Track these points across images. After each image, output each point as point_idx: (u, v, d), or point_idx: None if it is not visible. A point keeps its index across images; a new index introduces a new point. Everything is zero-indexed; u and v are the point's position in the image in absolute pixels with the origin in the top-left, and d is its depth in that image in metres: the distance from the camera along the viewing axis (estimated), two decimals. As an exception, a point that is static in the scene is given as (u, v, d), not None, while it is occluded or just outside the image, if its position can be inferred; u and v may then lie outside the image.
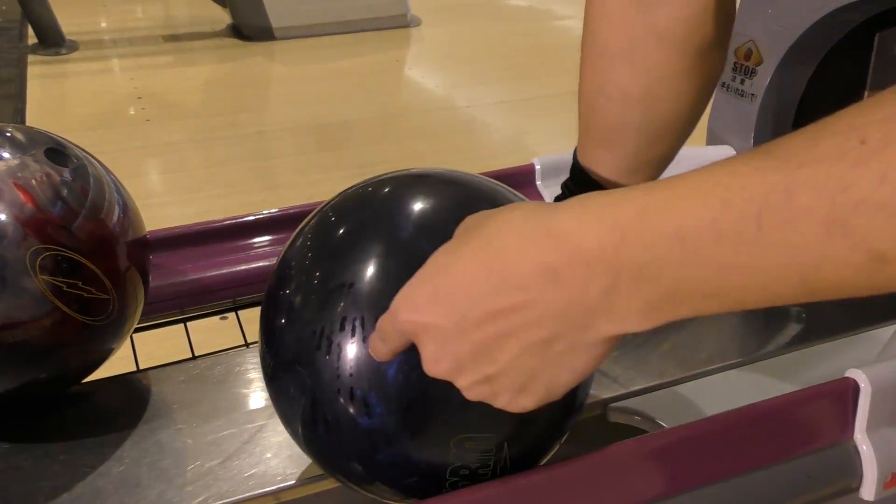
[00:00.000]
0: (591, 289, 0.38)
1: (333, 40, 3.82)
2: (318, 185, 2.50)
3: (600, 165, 0.65)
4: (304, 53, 3.72)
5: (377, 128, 2.96)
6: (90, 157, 0.70)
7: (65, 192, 0.64)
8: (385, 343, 0.46)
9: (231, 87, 3.40)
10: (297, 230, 0.57)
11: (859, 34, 0.95)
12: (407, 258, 0.49)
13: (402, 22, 4.00)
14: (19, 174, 0.62)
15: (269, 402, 0.72)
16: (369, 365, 0.49)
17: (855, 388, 0.60)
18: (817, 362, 0.76)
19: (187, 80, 3.42)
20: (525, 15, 4.39)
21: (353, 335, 0.49)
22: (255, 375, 0.77)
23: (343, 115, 3.06)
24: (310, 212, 0.58)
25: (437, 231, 0.48)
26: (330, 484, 0.66)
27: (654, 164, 0.65)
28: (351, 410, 0.50)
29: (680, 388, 0.73)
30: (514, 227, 0.40)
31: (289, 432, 0.57)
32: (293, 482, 0.65)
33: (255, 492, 0.64)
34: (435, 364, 0.44)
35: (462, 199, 0.54)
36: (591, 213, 0.38)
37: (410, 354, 0.46)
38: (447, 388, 0.45)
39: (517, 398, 0.43)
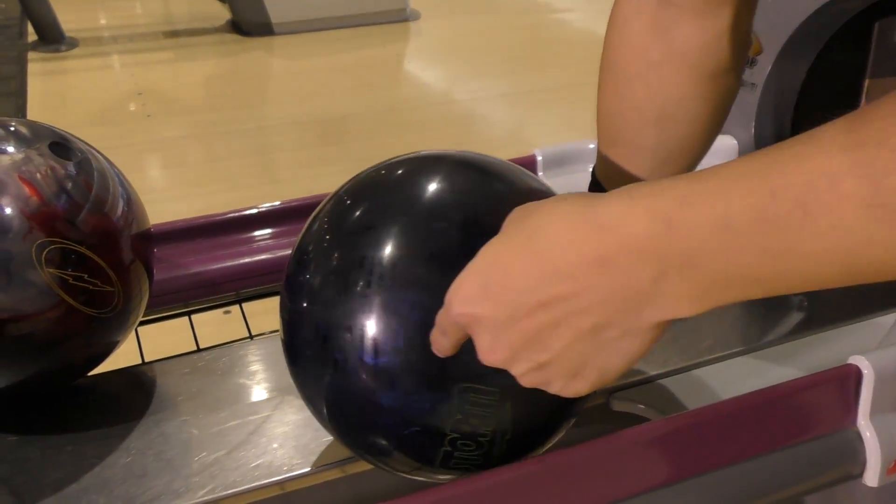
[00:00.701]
0: (640, 277, 0.39)
1: (333, 35, 3.82)
2: (319, 178, 2.51)
3: (616, 183, 0.66)
4: (304, 48, 3.72)
5: (377, 122, 2.96)
6: (93, 151, 0.70)
7: (69, 185, 0.64)
8: (446, 336, 0.48)
9: (231, 83, 3.40)
10: (313, 216, 0.58)
11: (859, 23, 0.95)
12: (426, 234, 0.51)
13: (401, 16, 4.00)
14: (24, 168, 0.62)
15: (275, 394, 0.73)
16: (388, 326, 0.50)
17: (857, 375, 0.60)
18: (820, 349, 0.76)
19: (187, 76, 3.42)
20: (524, 8, 4.39)
21: (372, 311, 0.50)
22: (260, 367, 0.78)
23: (343, 110, 3.06)
24: (313, 204, 0.58)
25: (457, 207, 0.51)
26: (336, 474, 0.66)
27: None
28: (363, 358, 0.51)
29: (682, 377, 0.73)
30: (561, 218, 0.42)
31: (310, 409, 0.58)
32: (299, 472, 0.65)
33: (262, 482, 0.64)
34: (490, 353, 0.45)
35: (476, 177, 0.55)
36: (638, 203, 0.39)
37: (422, 296, 0.49)
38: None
39: (571, 384, 0.45)
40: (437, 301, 0.48)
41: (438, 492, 0.52)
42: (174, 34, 3.95)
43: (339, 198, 0.57)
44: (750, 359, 0.75)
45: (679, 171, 0.65)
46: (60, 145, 0.66)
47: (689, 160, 0.65)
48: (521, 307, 0.42)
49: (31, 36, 3.60)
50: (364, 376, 0.51)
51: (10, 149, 0.63)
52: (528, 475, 0.54)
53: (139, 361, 0.83)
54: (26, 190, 0.61)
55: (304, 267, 0.55)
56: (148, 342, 0.86)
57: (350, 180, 0.58)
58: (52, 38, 3.54)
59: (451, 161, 0.56)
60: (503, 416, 0.52)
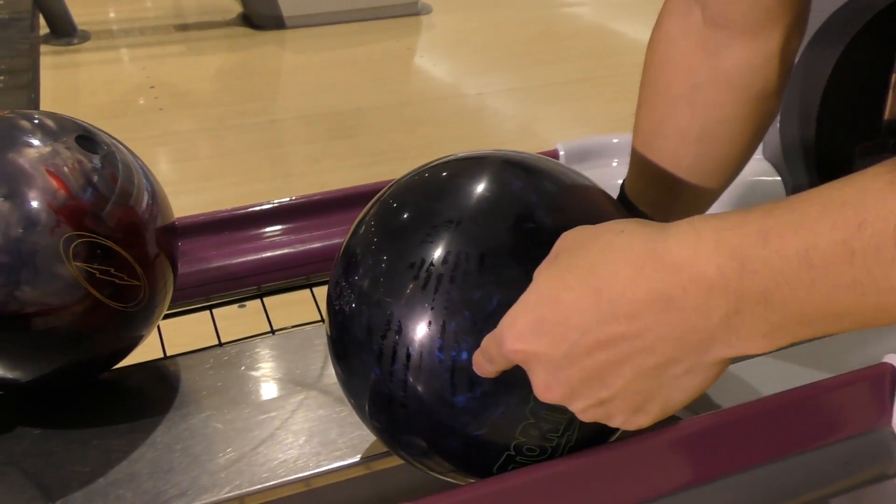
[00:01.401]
0: (710, 316, 0.38)
1: (344, 28, 3.81)
2: (330, 172, 2.50)
3: (648, 199, 0.66)
4: (315, 42, 3.71)
5: (389, 116, 2.95)
6: (118, 144, 0.70)
7: (95, 178, 0.64)
8: (491, 364, 0.47)
9: (242, 76, 3.40)
10: (358, 219, 0.57)
11: (886, 17, 0.94)
12: (506, 231, 0.51)
13: (412, 10, 3.99)
14: (52, 161, 0.62)
15: (299, 389, 0.73)
16: (472, 325, 0.49)
17: (893, 374, 0.59)
18: (854, 348, 0.76)
19: (199, 70, 3.41)
20: (536, 2, 4.37)
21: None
22: (283, 362, 0.77)
23: (354, 103, 3.06)
24: (336, 199, 0.58)
25: (523, 205, 0.52)
26: (361, 471, 0.66)
27: (702, 202, 0.66)
28: (425, 383, 0.50)
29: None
30: (621, 253, 0.40)
31: (353, 407, 0.57)
32: (325, 468, 0.65)
33: (288, 478, 0.64)
34: (547, 391, 0.44)
35: (525, 175, 0.55)
36: (707, 240, 0.38)
37: (505, 296, 0.48)
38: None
39: (633, 418, 0.44)
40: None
41: (470, 490, 0.51)
42: (185, 27, 3.94)
43: (384, 201, 0.56)
44: (783, 357, 0.75)
45: (714, 190, 0.65)
46: (86, 138, 0.65)
47: (724, 179, 0.64)
48: (579, 346, 0.41)
49: (43, 29, 3.60)
50: (440, 374, 0.50)
51: (37, 142, 0.63)
52: (558, 475, 0.53)
53: (160, 355, 0.82)
54: (54, 183, 0.61)
55: (361, 264, 0.54)
56: (166, 336, 0.86)
57: (396, 182, 0.58)
58: (63, 31, 3.54)
59: (497, 160, 0.56)
60: (573, 420, 0.51)
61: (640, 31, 4.13)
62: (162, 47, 3.67)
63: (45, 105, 2.90)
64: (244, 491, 0.62)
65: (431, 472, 0.57)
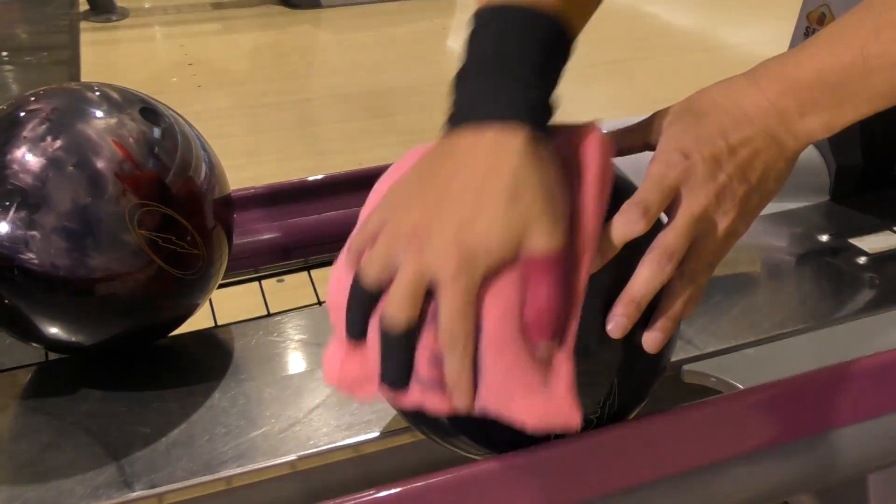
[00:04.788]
0: (788, 116, 0.52)
1: (379, 8, 3.81)
2: (366, 151, 2.52)
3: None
4: (350, 21, 3.73)
5: (423, 95, 2.96)
6: (177, 116, 0.72)
7: (157, 149, 0.66)
8: (648, 213, 0.49)
9: (279, 55, 3.42)
10: None
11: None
12: None
13: (447, -11, 3.98)
14: (118, 132, 0.64)
15: (349, 358, 0.74)
16: None
17: (938, 351, 0.60)
18: (891, 328, 0.76)
19: (236, 48, 3.44)
20: (571, -18, 4.34)
21: None
22: (331, 333, 0.79)
23: (389, 83, 3.07)
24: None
25: None
26: (411, 437, 0.68)
27: None
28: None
29: (753, 351, 0.73)
30: (734, 87, 0.53)
31: None
32: (374, 436, 0.67)
33: (339, 443, 0.66)
34: (700, 196, 0.50)
35: None
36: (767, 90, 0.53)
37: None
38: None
39: (748, 217, 0.53)
40: None
41: (505, 460, 0.53)
42: (222, 6, 3.97)
43: None
44: (820, 335, 0.75)
45: None
46: (149, 110, 0.68)
47: None
48: (723, 147, 0.51)
49: (83, 6, 3.64)
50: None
51: (104, 113, 0.65)
52: (600, 445, 0.55)
53: (211, 324, 0.85)
54: (120, 153, 0.63)
55: None
56: (215, 306, 0.88)
57: None
58: (103, 8, 3.58)
59: None
60: (611, 392, 0.52)
61: (675, 14, 4.09)
62: (199, 25, 3.71)
63: (84, 81, 2.94)
64: (299, 455, 0.64)
65: (456, 450, 0.58)
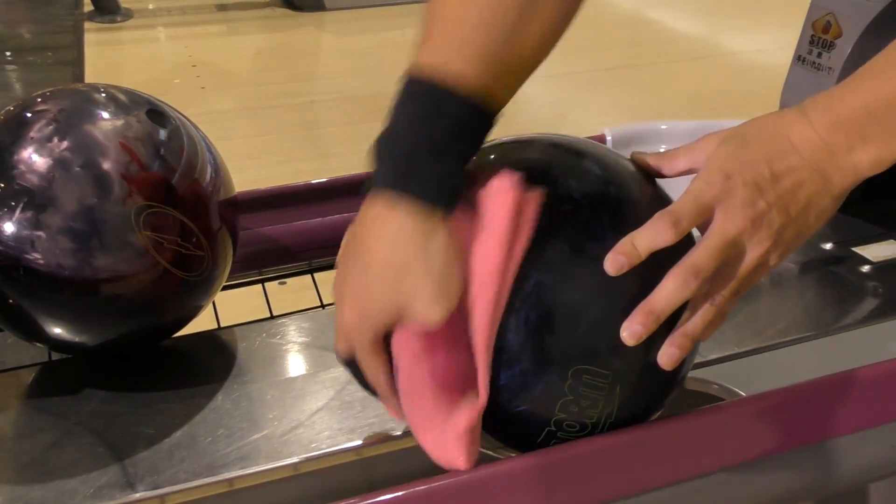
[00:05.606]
0: (835, 150, 0.51)
1: (383, 11, 3.82)
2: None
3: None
4: (354, 24, 3.73)
5: (427, 99, 2.96)
6: (183, 118, 0.72)
7: (164, 151, 0.66)
8: (678, 225, 0.50)
9: (282, 57, 3.43)
10: None
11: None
12: (548, 215, 0.51)
13: (451, -7, 3.99)
14: (125, 134, 0.64)
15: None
16: (509, 304, 0.51)
17: (941, 360, 0.60)
18: (894, 337, 0.76)
19: (240, 50, 3.45)
20: (575, -12, 4.34)
21: None
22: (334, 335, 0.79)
23: (393, 86, 3.07)
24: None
25: (570, 188, 0.53)
26: (413, 442, 0.67)
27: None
28: None
29: (756, 358, 0.73)
30: (784, 119, 0.53)
31: None
32: (376, 438, 0.67)
33: (342, 446, 0.66)
34: (735, 218, 0.50)
35: (576, 160, 0.57)
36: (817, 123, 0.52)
37: (546, 275, 0.50)
38: (576, 315, 0.50)
39: (786, 251, 0.52)
40: (557, 281, 0.50)
41: (509, 463, 0.53)
42: (226, 8, 3.98)
43: None
44: (823, 343, 0.75)
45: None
46: (156, 112, 0.68)
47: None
48: (766, 174, 0.50)
49: (87, 7, 3.65)
50: None
51: (111, 115, 0.65)
52: (601, 451, 0.55)
53: (214, 326, 0.85)
54: (126, 155, 0.63)
55: None
56: (218, 307, 0.88)
57: None
58: (107, 8, 3.59)
59: (543, 143, 0.58)
60: (612, 399, 0.52)
61: (678, 20, 4.10)
62: (203, 27, 3.71)
63: (89, 82, 2.95)
64: (301, 458, 0.64)
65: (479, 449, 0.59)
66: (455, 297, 0.50)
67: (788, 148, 0.51)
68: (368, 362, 0.53)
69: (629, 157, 0.58)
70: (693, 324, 0.51)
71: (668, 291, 0.49)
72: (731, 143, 0.52)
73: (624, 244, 0.50)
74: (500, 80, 0.52)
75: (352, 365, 0.54)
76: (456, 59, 0.50)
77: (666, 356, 0.51)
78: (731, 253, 0.50)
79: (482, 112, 0.51)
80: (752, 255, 0.50)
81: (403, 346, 0.51)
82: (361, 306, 0.51)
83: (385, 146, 0.51)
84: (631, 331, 0.49)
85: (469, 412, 0.50)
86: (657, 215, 0.50)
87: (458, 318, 0.50)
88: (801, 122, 0.52)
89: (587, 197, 0.53)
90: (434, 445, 0.52)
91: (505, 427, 0.55)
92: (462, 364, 0.51)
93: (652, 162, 0.57)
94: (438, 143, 0.50)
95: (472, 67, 0.50)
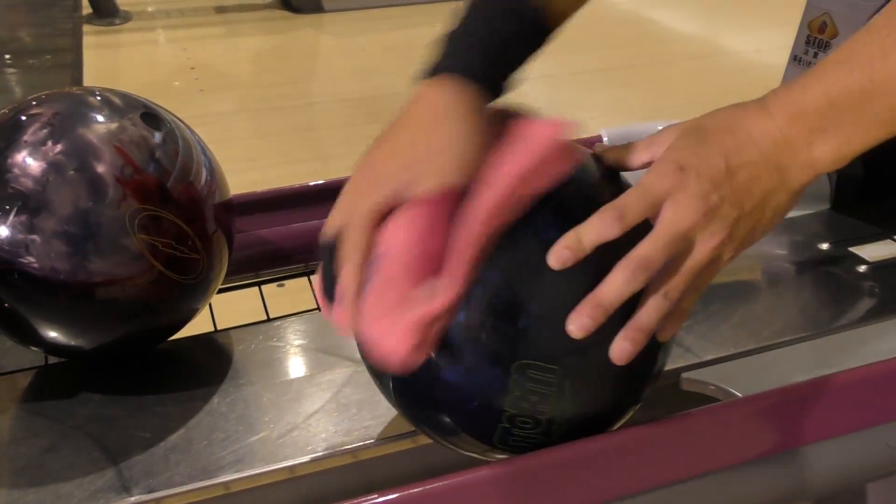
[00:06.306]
0: (794, 144, 0.51)
1: (382, 13, 3.82)
2: (368, 156, 2.52)
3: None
4: (353, 26, 3.73)
5: (425, 101, 2.96)
6: (178, 121, 0.72)
7: (158, 154, 0.66)
8: (623, 219, 0.49)
9: (281, 59, 3.43)
10: None
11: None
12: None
13: (450, -5, 3.99)
14: (120, 137, 0.64)
15: (348, 364, 0.75)
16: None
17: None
18: (890, 337, 0.76)
19: (238, 52, 3.45)
20: (573, -12, 4.34)
21: None
22: (331, 338, 0.79)
23: (392, 88, 3.07)
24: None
25: None
26: (408, 444, 0.68)
27: None
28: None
29: (753, 359, 0.73)
30: (745, 112, 0.53)
31: (376, 384, 0.60)
32: (372, 441, 0.67)
33: (337, 449, 0.66)
34: (689, 209, 0.49)
35: None
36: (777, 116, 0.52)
37: (490, 272, 0.50)
38: (516, 310, 0.49)
39: (741, 246, 0.52)
40: (500, 278, 0.49)
41: (503, 465, 0.53)
42: (224, 10, 3.98)
43: None
44: (819, 344, 0.75)
45: None
46: (151, 115, 0.68)
47: None
48: (722, 169, 0.50)
49: (86, 9, 3.65)
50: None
51: (105, 118, 0.65)
52: (595, 453, 0.55)
53: (211, 329, 0.85)
54: (121, 158, 0.63)
55: None
56: (215, 310, 0.88)
57: None
58: (106, 11, 3.59)
59: None
60: (562, 395, 0.52)
61: (677, 20, 4.10)
62: (202, 29, 3.71)
63: (88, 84, 2.95)
64: (297, 461, 0.64)
65: (461, 451, 0.59)
66: (463, 175, 0.50)
67: (747, 141, 0.51)
68: (354, 236, 0.50)
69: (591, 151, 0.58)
70: (646, 317, 0.50)
71: (616, 283, 0.49)
72: (690, 136, 0.52)
73: (569, 237, 0.49)
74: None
75: (329, 250, 0.52)
76: None
77: (618, 350, 0.50)
78: (682, 246, 0.50)
79: (542, 25, 0.58)
80: (703, 249, 0.50)
81: (394, 228, 0.50)
82: (373, 172, 0.52)
83: (451, 39, 0.56)
84: (579, 323, 0.48)
85: (431, 305, 0.49)
86: (603, 208, 0.49)
87: (455, 219, 0.50)
88: (761, 115, 0.52)
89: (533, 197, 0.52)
90: (382, 334, 0.50)
91: (463, 425, 0.55)
92: (441, 265, 0.50)
93: (615, 155, 0.57)
94: (499, 43, 0.55)
95: None
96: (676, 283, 0.50)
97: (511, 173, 0.50)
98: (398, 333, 0.49)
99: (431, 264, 0.50)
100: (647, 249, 0.49)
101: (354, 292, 0.50)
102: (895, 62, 0.49)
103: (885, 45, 0.49)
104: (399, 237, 0.50)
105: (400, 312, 0.49)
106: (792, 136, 0.51)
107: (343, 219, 0.52)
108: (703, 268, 0.50)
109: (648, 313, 0.50)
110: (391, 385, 0.57)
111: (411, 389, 0.56)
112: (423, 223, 0.49)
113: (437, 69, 0.54)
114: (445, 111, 0.52)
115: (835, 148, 0.51)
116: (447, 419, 0.55)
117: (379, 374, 0.58)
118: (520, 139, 0.52)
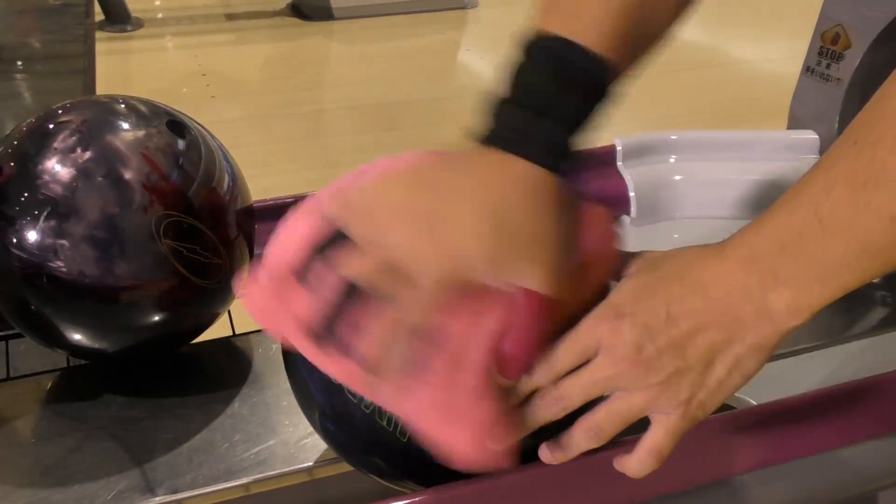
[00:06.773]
0: (750, 293, 0.45)
1: (391, 21, 3.83)
2: (378, 163, 2.53)
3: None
4: (363, 33, 3.75)
5: (434, 108, 2.97)
6: (200, 128, 0.73)
7: (183, 161, 0.67)
8: (553, 368, 0.48)
9: (291, 66, 3.44)
10: None
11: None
12: None
13: (459, 3, 4.00)
14: (147, 144, 0.65)
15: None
16: None
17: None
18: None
19: (249, 59, 3.46)
20: (582, -3, 4.35)
21: None
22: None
23: (401, 96, 3.08)
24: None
25: None
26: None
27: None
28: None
29: (767, 366, 0.74)
30: (701, 256, 0.48)
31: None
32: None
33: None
34: (627, 362, 0.46)
35: None
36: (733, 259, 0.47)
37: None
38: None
39: (690, 407, 0.48)
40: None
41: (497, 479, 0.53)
42: (235, 17, 4.00)
43: None
44: (833, 352, 0.76)
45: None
46: (175, 123, 0.69)
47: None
48: (663, 318, 0.46)
49: (98, 16, 3.67)
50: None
51: (132, 125, 0.66)
52: (601, 459, 0.55)
53: (229, 333, 0.86)
54: (148, 165, 0.64)
55: None
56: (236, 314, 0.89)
57: None
58: (118, 17, 3.61)
59: None
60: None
61: (690, 29, 4.09)
62: (213, 36, 3.73)
63: (100, 91, 2.97)
64: (317, 463, 0.65)
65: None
66: (561, 276, 0.46)
67: (695, 288, 0.46)
68: (420, 302, 0.44)
69: None
70: (566, 448, 0.50)
71: (531, 410, 0.48)
72: (640, 277, 0.49)
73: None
74: (621, 50, 0.50)
75: (352, 289, 0.45)
76: (587, 28, 0.48)
77: (545, 453, 0.50)
78: (606, 391, 0.48)
79: (605, 79, 0.49)
80: (634, 399, 0.47)
81: (475, 317, 0.45)
82: (450, 246, 0.44)
83: (509, 104, 0.48)
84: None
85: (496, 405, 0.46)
86: (538, 364, 0.48)
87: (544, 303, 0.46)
88: (716, 259, 0.47)
89: None
90: (465, 440, 0.47)
91: (403, 464, 0.54)
92: (529, 355, 0.48)
93: None
94: (567, 106, 0.47)
95: (601, 38, 0.48)
96: (603, 424, 0.48)
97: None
98: (477, 434, 0.47)
99: (518, 356, 0.47)
100: (566, 385, 0.48)
101: (401, 368, 0.45)
102: (840, 199, 0.42)
103: (829, 180, 0.43)
104: (485, 328, 0.46)
105: (465, 407, 0.46)
106: (746, 283, 0.45)
107: (375, 272, 0.45)
108: (632, 415, 0.48)
109: (569, 445, 0.50)
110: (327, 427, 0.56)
111: (350, 429, 0.54)
112: (518, 321, 0.46)
113: (509, 145, 0.47)
114: (545, 194, 0.46)
115: (790, 299, 0.45)
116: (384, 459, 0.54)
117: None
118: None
